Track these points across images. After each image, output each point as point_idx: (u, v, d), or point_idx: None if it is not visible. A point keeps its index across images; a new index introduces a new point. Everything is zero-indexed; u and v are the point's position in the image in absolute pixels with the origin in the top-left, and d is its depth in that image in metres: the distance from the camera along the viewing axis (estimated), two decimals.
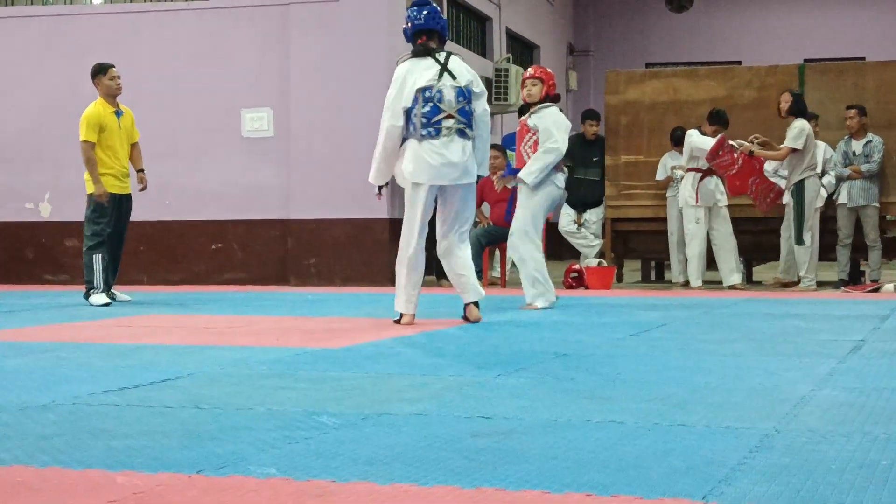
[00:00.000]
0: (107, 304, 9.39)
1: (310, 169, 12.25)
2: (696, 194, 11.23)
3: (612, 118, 12.66)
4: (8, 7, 13.61)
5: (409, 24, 7.31)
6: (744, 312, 8.25)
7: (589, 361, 5.28)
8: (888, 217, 11.75)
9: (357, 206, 12.10)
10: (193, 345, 6.23)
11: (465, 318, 7.38)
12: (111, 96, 9.73)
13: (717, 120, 11.30)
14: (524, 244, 8.57)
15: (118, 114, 9.76)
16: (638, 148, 12.51)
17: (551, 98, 8.71)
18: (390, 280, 12.06)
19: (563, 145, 8.54)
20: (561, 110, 8.89)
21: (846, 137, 11.43)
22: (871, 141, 11.29)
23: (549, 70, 8.98)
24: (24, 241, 13.04)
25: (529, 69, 8.99)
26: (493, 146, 12.06)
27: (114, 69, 9.80)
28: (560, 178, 8.69)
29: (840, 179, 11.39)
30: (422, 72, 7.16)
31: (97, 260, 9.52)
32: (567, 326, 7.20)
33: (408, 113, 7.16)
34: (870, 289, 10.89)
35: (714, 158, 11.01)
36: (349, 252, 12.19)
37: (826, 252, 11.69)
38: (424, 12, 7.28)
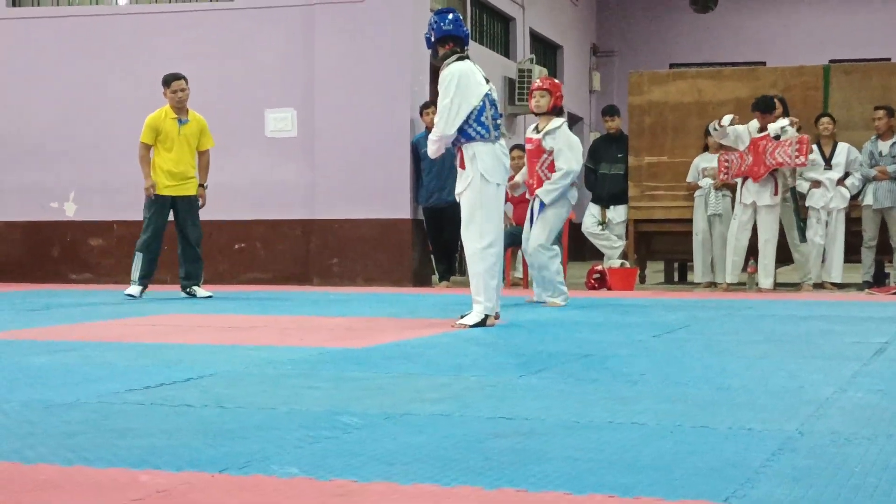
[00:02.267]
0: (129, 296, 10.11)
1: (333, 169, 12.27)
2: (741, 193, 11.11)
3: (635, 119, 12.64)
4: (34, 7, 13.69)
5: (433, 31, 7.26)
6: (767, 314, 8.22)
7: (611, 362, 5.28)
8: None
9: (380, 206, 12.12)
10: (217, 344, 6.25)
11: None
12: (175, 107, 10.26)
13: (756, 107, 11.14)
14: (541, 255, 9.01)
15: (181, 122, 10.27)
16: (661, 149, 12.49)
17: (557, 110, 9.09)
18: (413, 280, 12.14)
19: (577, 166, 9.06)
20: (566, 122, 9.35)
21: (873, 138, 11.38)
22: None
23: (556, 81, 9.33)
24: (50, 240, 13.11)
25: (538, 80, 9.33)
26: (516, 146, 12.06)
27: (178, 82, 10.25)
28: (573, 193, 9.18)
29: (866, 180, 11.34)
30: (476, 75, 7.21)
31: (137, 257, 10.27)
32: (589, 327, 7.19)
33: (476, 115, 7.13)
34: (894, 291, 10.83)
35: (728, 174, 11.11)
36: (372, 252, 12.21)
37: (850, 253, 11.65)
38: (450, 18, 7.27)
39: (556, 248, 9.18)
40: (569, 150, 9.00)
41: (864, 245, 11.41)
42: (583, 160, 9.31)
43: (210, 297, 10.25)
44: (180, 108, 10.25)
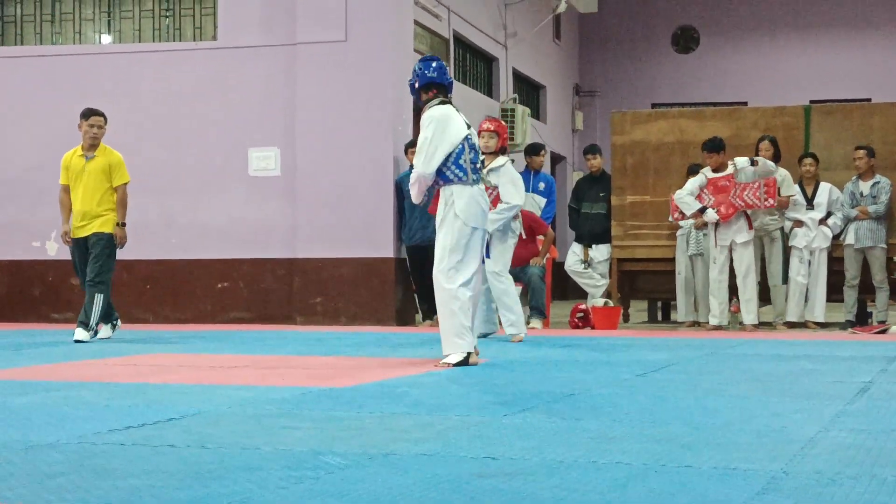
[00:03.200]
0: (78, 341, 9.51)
1: (316, 208, 12.28)
2: (715, 236, 11.16)
3: (618, 158, 12.69)
4: (17, 47, 13.70)
5: (417, 78, 7.37)
6: (750, 353, 8.23)
7: (595, 402, 5.27)
8: None
9: (363, 245, 12.13)
10: (199, 384, 6.22)
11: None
12: (87, 143, 9.88)
13: (704, 146, 11.25)
14: (499, 284, 9.61)
15: (87, 157, 9.84)
16: (644, 188, 12.54)
17: (502, 150, 9.83)
18: (397, 319, 12.12)
19: (520, 201, 9.79)
20: (513, 161, 10.33)
21: (854, 178, 11.46)
22: (878, 182, 11.31)
23: (503, 123, 10.18)
24: (31, 279, 13.06)
25: (486, 122, 9.95)
26: None
27: (97, 117, 9.88)
28: (517, 225, 10.07)
29: (848, 220, 11.40)
30: (456, 118, 7.28)
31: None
32: (573, 366, 7.18)
33: (454, 157, 7.21)
34: (877, 330, 10.87)
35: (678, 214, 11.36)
36: (355, 291, 12.20)
37: (832, 293, 11.70)
38: (434, 65, 7.38)
39: (510, 277, 9.81)
40: (513, 186, 9.67)
41: (846, 284, 11.46)
42: (525, 194, 10.10)
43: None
44: (92, 145, 9.82)
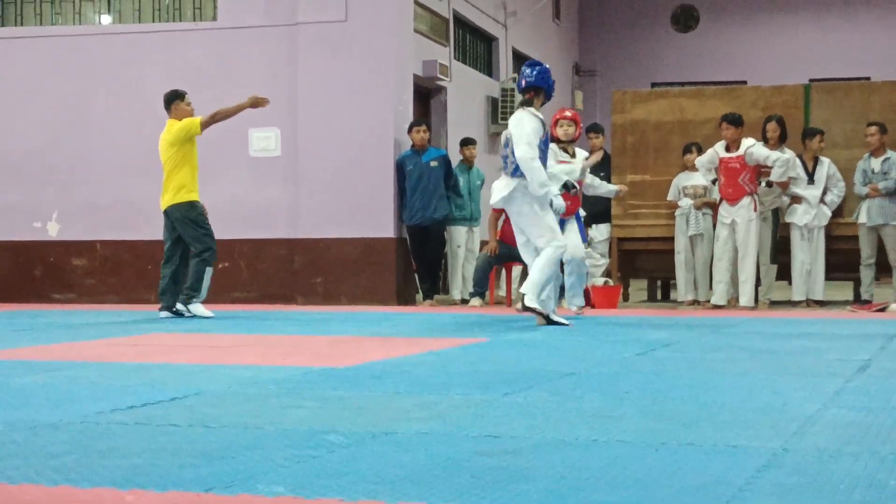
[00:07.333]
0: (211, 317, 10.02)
1: (317, 188, 12.27)
2: (717, 214, 11.25)
3: (618, 138, 12.68)
4: (17, 27, 13.67)
5: (523, 81, 8.82)
6: (750, 331, 8.24)
7: (596, 380, 5.29)
8: None
9: (364, 226, 12.13)
10: (201, 363, 6.24)
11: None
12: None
13: (727, 119, 11.23)
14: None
15: None
16: (644, 167, 12.53)
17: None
18: (397, 299, 12.14)
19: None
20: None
21: (866, 155, 11.37)
22: (889, 158, 11.21)
23: (577, 112, 10.79)
24: (33, 260, 13.07)
25: (566, 111, 10.40)
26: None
27: (187, 95, 10.48)
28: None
29: (860, 198, 11.36)
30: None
31: (209, 271, 10.30)
32: (574, 345, 7.20)
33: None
34: (876, 308, 10.87)
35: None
36: (356, 271, 12.21)
37: (831, 271, 11.70)
38: (536, 71, 8.82)
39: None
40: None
41: (862, 264, 11.28)
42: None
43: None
44: None
